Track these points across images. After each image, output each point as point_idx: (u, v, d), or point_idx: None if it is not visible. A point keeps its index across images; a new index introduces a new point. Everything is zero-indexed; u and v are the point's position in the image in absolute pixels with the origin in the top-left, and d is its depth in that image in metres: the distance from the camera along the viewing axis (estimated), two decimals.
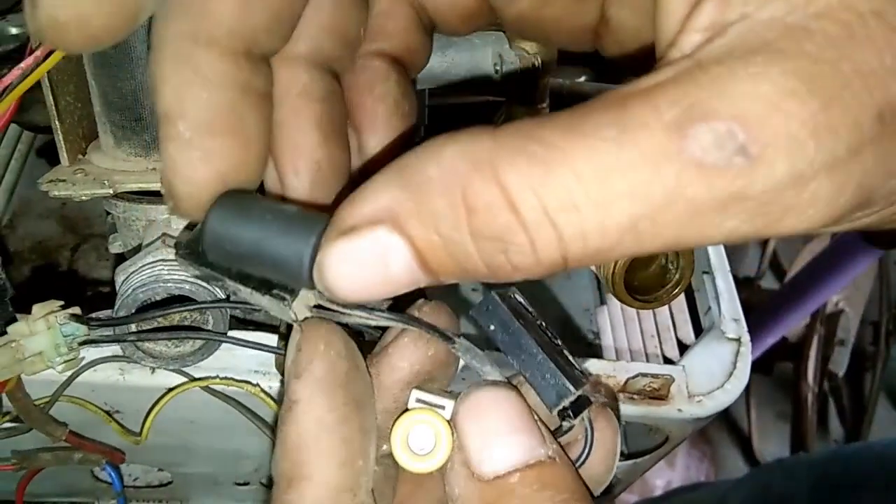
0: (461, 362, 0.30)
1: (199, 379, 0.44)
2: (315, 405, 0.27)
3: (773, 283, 1.74)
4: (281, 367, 0.44)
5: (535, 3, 0.30)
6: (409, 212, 0.21)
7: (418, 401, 0.28)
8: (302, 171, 0.29)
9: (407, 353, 0.29)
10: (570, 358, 0.28)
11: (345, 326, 0.30)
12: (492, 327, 0.27)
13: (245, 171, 0.26)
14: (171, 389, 0.45)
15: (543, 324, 0.28)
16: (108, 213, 0.47)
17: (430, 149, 0.21)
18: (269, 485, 0.64)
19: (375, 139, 0.31)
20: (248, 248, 0.25)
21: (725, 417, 1.65)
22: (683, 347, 0.60)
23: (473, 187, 0.20)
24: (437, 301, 0.29)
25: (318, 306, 0.27)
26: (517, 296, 0.28)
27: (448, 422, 0.27)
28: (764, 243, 1.76)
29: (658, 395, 0.48)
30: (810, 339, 1.59)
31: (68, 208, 0.80)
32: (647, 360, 0.62)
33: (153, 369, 0.45)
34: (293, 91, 0.28)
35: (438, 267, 0.21)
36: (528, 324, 0.28)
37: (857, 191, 0.19)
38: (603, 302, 0.73)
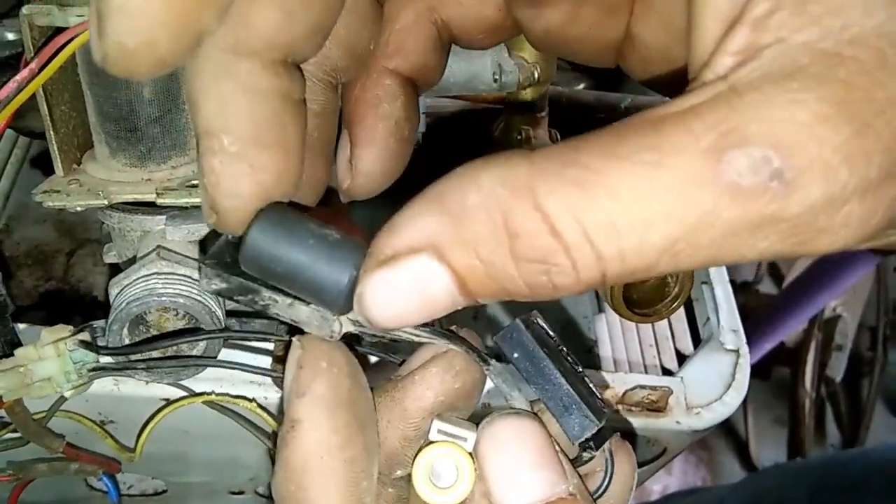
0: (483, 394, 0.30)
1: (197, 395, 0.44)
2: (318, 426, 0.27)
3: (772, 287, 1.74)
4: (279, 384, 0.43)
5: (561, 20, 0.30)
6: (450, 239, 0.21)
7: (440, 432, 0.28)
8: (316, 189, 0.29)
9: (434, 383, 0.29)
10: (592, 386, 0.28)
11: (346, 343, 0.29)
12: (515, 355, 0.27)
13: (286, 181, 0.26)
14: (167, 402, 0.45)
15: (565, 350, 0.28)
16: (103, 223, 0.47)
17: (466, 175, 0.21)
18: (264, 494, 0.64)
19: (370, 156, 0.31)
20: (286, 269, 0.25)
21: (722, 423, 1.65)
22: (682, 358, 0.60)
23: (514, 212, 0.20)
24: (468, 329, 0.30)
25: (358, 322, 0.27)
26: (540, 321, 0.28)
27: (469, 454, 0.27)
28: None
29: (656, 407, 0.48)
30: (808, 345, 1.59)
31: (64, 213, 0.80)
32: (646, 371, 0.61)
33: (147, 381, 0.45)
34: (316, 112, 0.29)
35: (479, 290, 0.22)
36: (551, 351, 0.28)
37: (888, 212, 0.20)
38: (601, 310, 0.73)
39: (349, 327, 0.28)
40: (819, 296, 1.41)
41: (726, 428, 1.66)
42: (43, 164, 0.79)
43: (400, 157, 0.31)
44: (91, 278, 0.77)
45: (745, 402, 1.68)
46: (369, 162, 0.31)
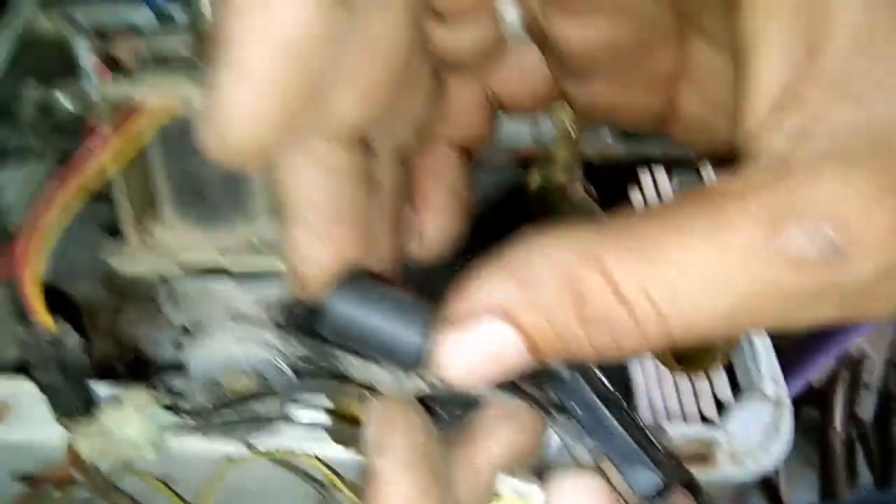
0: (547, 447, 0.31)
1: (262, 453, 0.45)
2: (400, 481, 0.28)
3: None
4: (338, 440, 0.45)
5: (606, 94, 0.32)
6: (520, 302, 0.23)
7: (509, 488, 0.29)
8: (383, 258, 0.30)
9: (502, 438, 0.30)
10: (652, 438, 0.29)
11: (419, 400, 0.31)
12: (577, 408, 0.28)
13: (362, 251, 0.28)
14: (231, 460, 0.46)
15: (624, 403, 0.29)
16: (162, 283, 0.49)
17: (534, 243, 0.23)
18: None
19: (435, 223, 0.32)
20: (363, 333, 0.26)
21: None
22: (720, 405, 0.61)
23: (581, 277, 0.22)
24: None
25: (431, 382, 0.28)
26: (598, 373, 0.29)
27: None
28: None
29: (702, 458, 0.48)
30: (835, 384, 1.57)
31: (111, 269, 0.82)
32: (685, 419, 0.62)
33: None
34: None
35: (548, 351, 0.23)
36: (611, 404, 0.28)
37: None
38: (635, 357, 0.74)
39: (425, 389, 0.29)
40: (844, 335, 1.40)
41: None
42: (90, 219, 0.82)
43: (460, 221, 0.33)
44: (137, 333, 0.79)
45: None
46: (435, 228, 0.32)
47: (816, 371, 1.53)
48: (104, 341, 0.76)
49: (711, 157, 0.23)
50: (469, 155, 0.33)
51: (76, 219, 0.79)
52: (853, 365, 1.60)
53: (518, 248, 0.23)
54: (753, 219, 0.20)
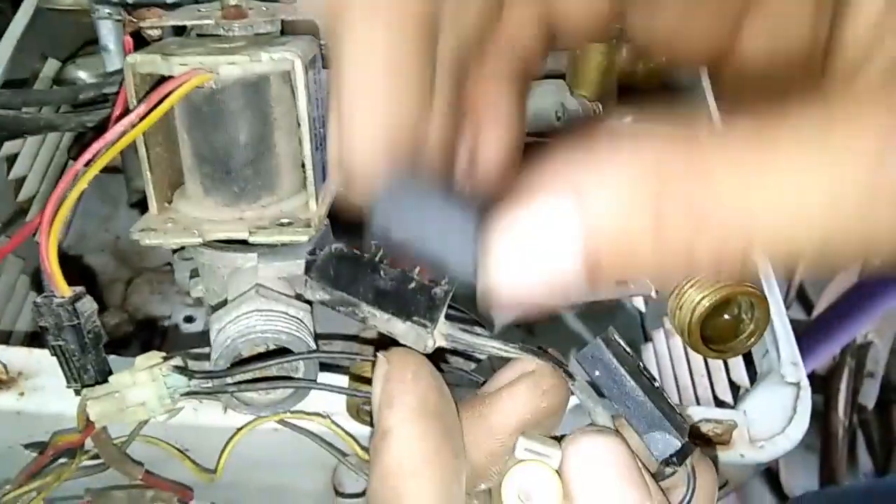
0: (567, 412, 0.31)
1: (273, 414, 0.45)
2: (409, 433, 0.28)
3: (801, 313, 1.74)
4: (353, 412, 0.45)
5: (672, 18, 0.31)
6: (594, 182, 0.20)
7: (527, 450, 0.28)
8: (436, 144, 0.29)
9: (521, 401, 0.29)
10: (671, 402, 0.29)
11: (430, 357, 0.30)
12: (597, 373, 0.28)
13: (415, 136, 0.26)
14: (245, 425, 0.46)
15: (643, 366, 0.29)
16: (176, 251, 0.49)
17: (622, 133, 0.21)
18: None
19: (495, 135, 0.31)
20: (413, 236, 0.25)
21: None
22: (735, 389, 0.61)
23: (670, 163, 0.19)
24: (553, 349, 0.30)
25: (452, 336, 0.28)
26: (618, 338, 0.29)
27: (556, 471, 0.28)
28: (790, 274, 1.75)
29: (721, 440, 0.48)
30: (840, 372, 1.58)
31: (122, 242, 0.82)
32: (698, 402, 0.62)
33: (225, 409, 0.47)
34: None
35: (605, 255, 0.20)
36: (630, 369, 0.28)
37: None
38: (647, 339, 0.74)
39: (441, 342, 0.29)
40: (851, 324, 1.41)
41: None
42: (102, 194, 0.82)
43: (519, 133, 0.31)
44: (148, 306, 0.79)
45: None
46: (493, 148, 0.31)
47: (822, 361, 1.54)
48: (118, 315, 0.76)
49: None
50: (523, 80, 0.32)
51: (90, 194, 0.80)
52: (858, 353, 1.61)
53: (604, 137, 0.21)
54: (871, 123, 0.19)
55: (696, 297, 0.37)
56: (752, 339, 0.40)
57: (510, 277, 0.22)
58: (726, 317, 0.40)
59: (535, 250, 0.21)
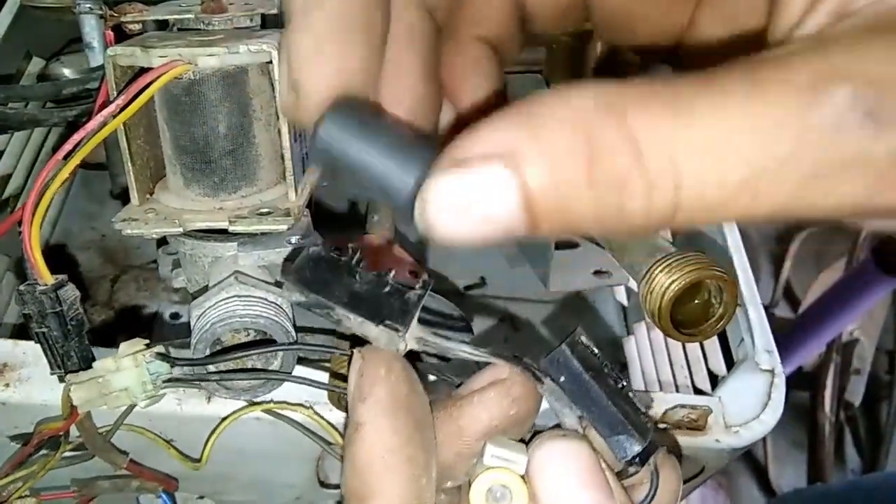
0: (534, 421, 0.32)
1: (257, 403, 0.46)
2: (380, 427, 0.29)
3: (788, 311, 1.75)
4: (334, 401, 0.46)
5: (631, 2, 0.32)
6: (528, 149, 0.20)
7: (494, 457, 0.29)
8: (404, 102, 0.29)
9: (491, 407, 0.30)
10: (637, 403, 0.30)
11: (408, 356, 0.31)
12: (562, 378, 0.29)
13: (363, 76, 0.26)
14: (229, 415, 0.47)
15: (609, 367, 0.30)
16: (161, 246, 0.50)
17: (555, 93, 0.21)
18: None
19: (468, 99, 0.31)
20: (356, 160, 0.24)
21: None
22: (714, 378, 0.62)
23: (599, 129, 0.20)
24: (527, 358, 0.31)
25: (424, 340, 0.29)
26: (584, 339, 0.30)
27: (522, 476, 0.29)
28: (777, 272, 1.77)
29: (696, 425, 0.49)
30: (826, 369, 1.59)
31: (107, 240, 0.82)
32: (678, 391, 0.63)
33: (209, 398, 0.47)
34: (403, 23, 0.29)
35: (543, 213, 0.21)
36: (596, 373, 0.29)
37: None
38: (629, 332, 0.75)
39: (413, 345, 0.30)
40: (836, 320, 1.42)
41: (745, 452, 1.66)
42: (87, 192, 0.82)
43: (492, 99, 0.32)
44: (135, 303, 0.79)
45: None
46: (468, 104, 0.31)
47: (808, 357, 1.55)
48: (104, 312, 0.76)
49: None
50: (499, 55, 0.33)
51: (76, 192, 0.80)
52: (844, 350, 1.63)
53: (539, 96, 0.21)
54: (791, 81, 0.19)
55: (665, 281, 0.38)
56: (722, 322, 0.41)
57: (445, 220, 0.22)
58: (696, 301, 0.41)
59: (472, 205, 0.21)
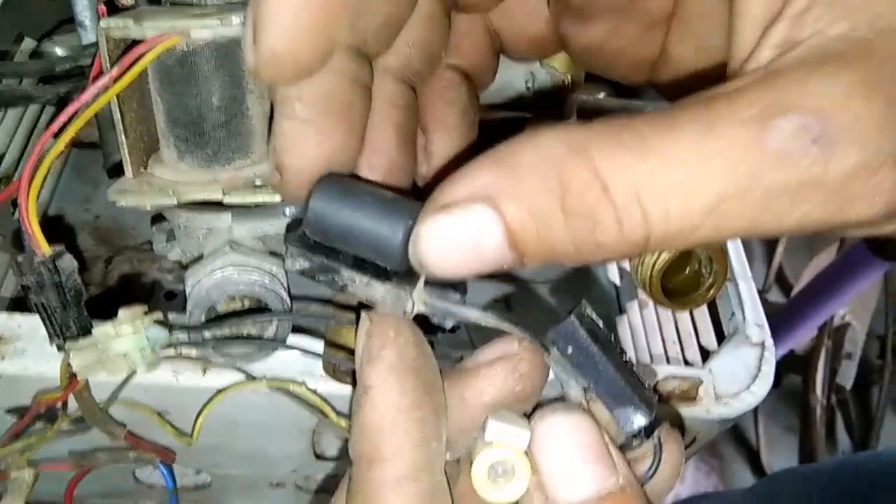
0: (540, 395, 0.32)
1: (251, 380, 0.46)
2: (389, 389, 0.29)
3: (780, 296, 1.76)
4: (328, 369, 0.46)
5: (604, 35, 0.33)
6: (505, 191, 0.23)
7: (496, 432, 0.29)
8: (377, 168, 0.31)
9: (496, 381, 0.30)
10: (640, 377, 0.30)
11: (415, 319, 0.31)
12: (570, 350, 0.29)
13: (346, 154, 0.29)
14: (221, 390, 0.47)
15: (614, 340, 0.30)
16: (154, 224, 0.50)
17: (525, 138, 0.23)
18: (303, 487, 0.66)
19: (443, 141, 0.33)
20: (347, 226, 0.27)
21: (733, 431, 1.67)
22: (705, 353, 0.63)
23: (568, 169, 0.22)
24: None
25: (431, 304, 0.29)
26: (590, 312, 0.30)
27: (525, 452, 0.29)
28: (770, 257, 1.78)
29: (687, 396, 0.50)
30: (818, 352, 1.61)
31: (101, 221, 0.83)
32: (669, 364, 0.64)
33: (204, 371, 0.48)
34: (380, 98, 0.31)
35: (526, 246, 0.23)
36: (602, 345, 0.29)
37: None
38: (622, 311, 0.75)
39: (420, 308, 0.30)
40: (828, 304, 1.43)
41: (737, 436, 1.67)
42: (81, 173, 0.82)
43: (468, 139, 0.34)
44: (129, 284, 0.79)
45: (755, 410, 1.70)
46: (442, 144, 0.33)
47: (799, 341, 1.56)
48: (98, 293, 0.77)
49: None
50: (472, 82, 0.34)
51: (69, 174, 0.80)
52: (836, 334, 1.64)
53: (511, 142, 0.24)
54: (742, 115, 0.21)
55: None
56: (712, 291, 0.41)
57: (438, 260, 0.24)
58: (687, 272, 0.42)
59: (461, 244, 0.24)
